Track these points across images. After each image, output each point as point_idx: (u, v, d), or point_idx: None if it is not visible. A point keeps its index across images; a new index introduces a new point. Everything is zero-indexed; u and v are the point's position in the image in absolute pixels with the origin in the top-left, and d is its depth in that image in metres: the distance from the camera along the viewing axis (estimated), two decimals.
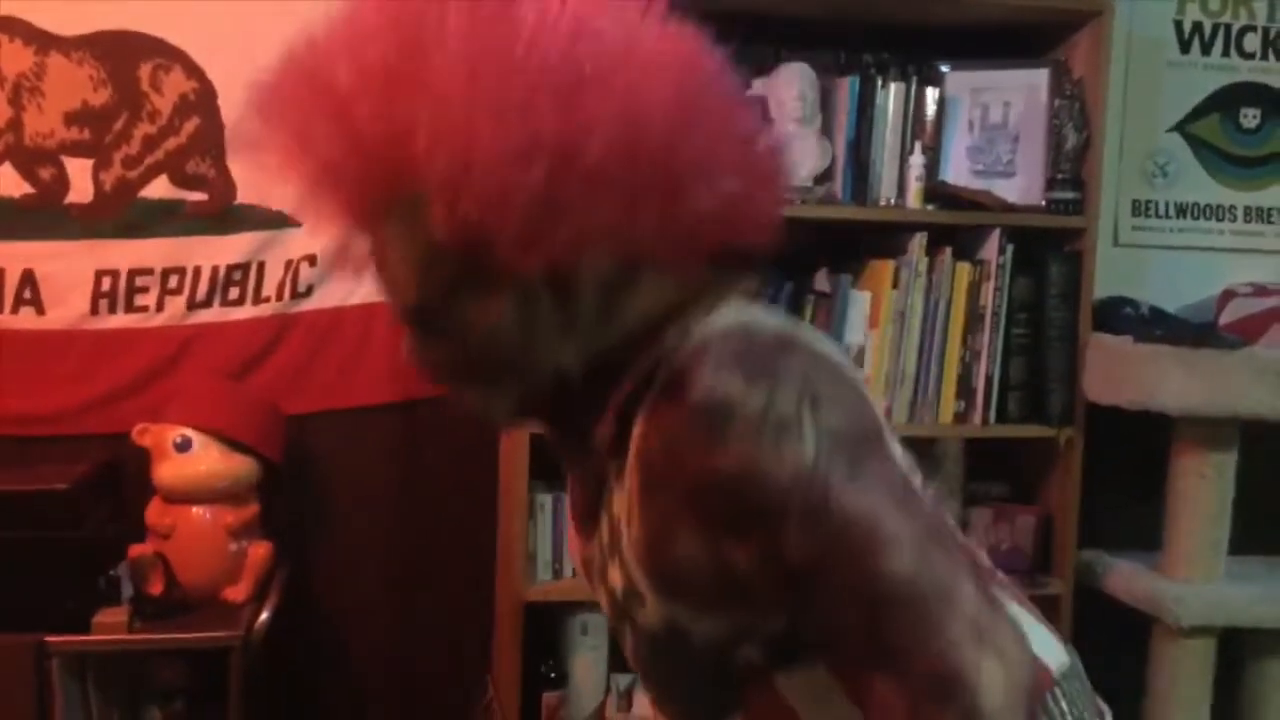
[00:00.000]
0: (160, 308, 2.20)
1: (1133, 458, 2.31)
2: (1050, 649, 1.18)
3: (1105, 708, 1.20)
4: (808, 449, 0.95)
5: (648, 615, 1.09)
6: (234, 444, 2.09)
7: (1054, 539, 2.30)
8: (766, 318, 1.06)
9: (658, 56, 1.02)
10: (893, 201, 2.21)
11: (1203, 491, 2.19)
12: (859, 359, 2.18)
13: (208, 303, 2.22)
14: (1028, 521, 2.30)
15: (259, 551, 2.11)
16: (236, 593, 2.08)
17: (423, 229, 1.00)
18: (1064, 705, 1.13)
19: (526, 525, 2.11)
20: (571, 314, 1.04)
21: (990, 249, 2.20)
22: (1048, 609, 2.37)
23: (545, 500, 2.14)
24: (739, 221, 1.06)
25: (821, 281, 2.20)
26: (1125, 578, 2.27)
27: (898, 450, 1.07)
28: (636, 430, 1.04)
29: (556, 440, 1.22)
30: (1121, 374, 2.15)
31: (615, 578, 1.11)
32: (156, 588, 2.00)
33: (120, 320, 2.19)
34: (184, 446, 2.06)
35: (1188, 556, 2.21)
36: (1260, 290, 2.29)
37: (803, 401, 0.96)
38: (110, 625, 1.92)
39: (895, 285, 2.18)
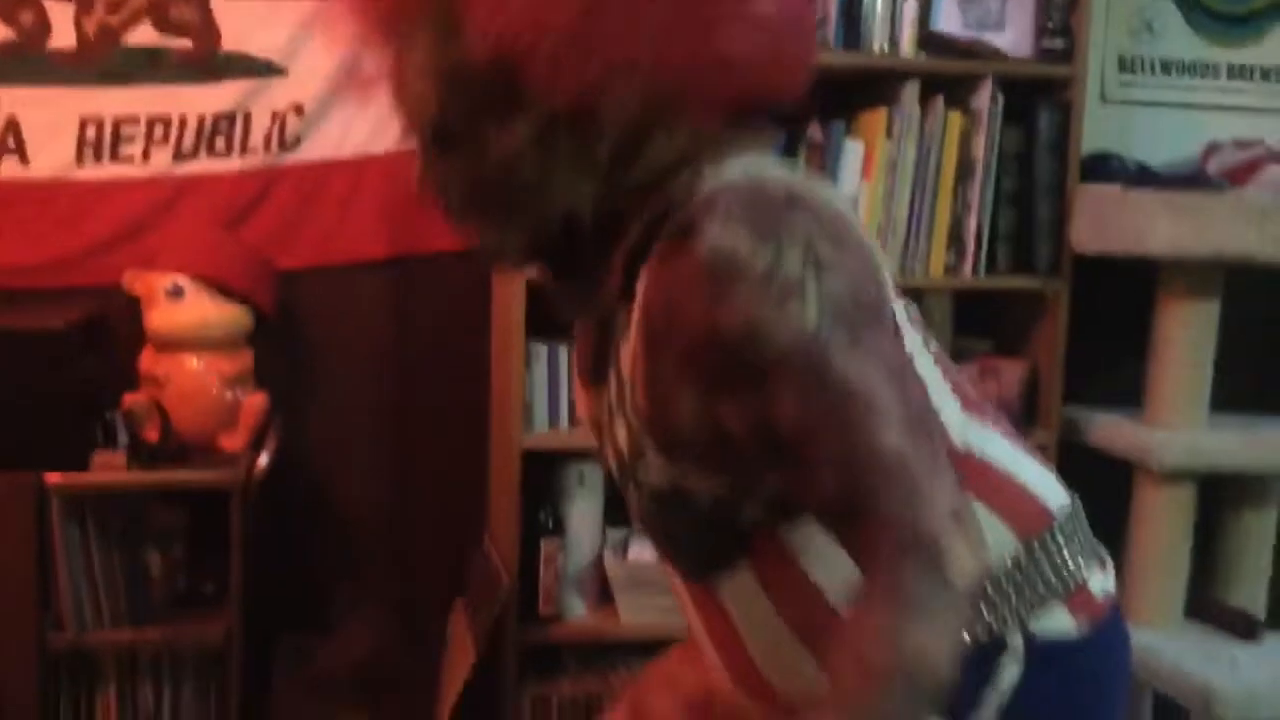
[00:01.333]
0: (146, 157, 2.16)
1: (1119, 312, 2.35)
2: (1050, 489, 1.20)
3: (1104, 550, 1.23)
4: (810, 313, 0.96)
5: (652, 474, 1.10)
6: (226, 292, 2.08)
7: (1040, 392, 2.34)
8: (778, 171, 1.06)
9: None
10: (885, 50, 2.20)
11: (1186, 339, 2.23)
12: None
13: (194, 153, 2.18)
14: (1014, 375, 2.33)
15: (254, 401, 2.11)
16: (232, 441, 2.07)
17: (453, 44, 1.00)
18: (1062, 542, 1.16)
19: (523, 374, 2.11)
20: (590, 154, 1.04)
21: (982, 98, 2.21)
22: None
23: (540, 350, 2.14)
24: (765, 72, 1.06)
25: (814, 131, 2.20)
26: (1109, 429, 2.32)
27: (900, 307, 1.08)
28: (642, 281, 1.04)
29: (562, 291, 1.21)
30: (1109, 221, 2.18)
31: (621, 437, 1.12)
32: (153, 434, 2.00)
33: (106, 170, 2.15)
34: (176, 293, 2.05)
35: (1170, 404, 2.26)
36: (1243, 144, 2.32)
37: (808, 264, 0.96)
38: (109, 466, 1.92)
39: (889, 135, 2.18)
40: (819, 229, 0.98)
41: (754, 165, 1.05)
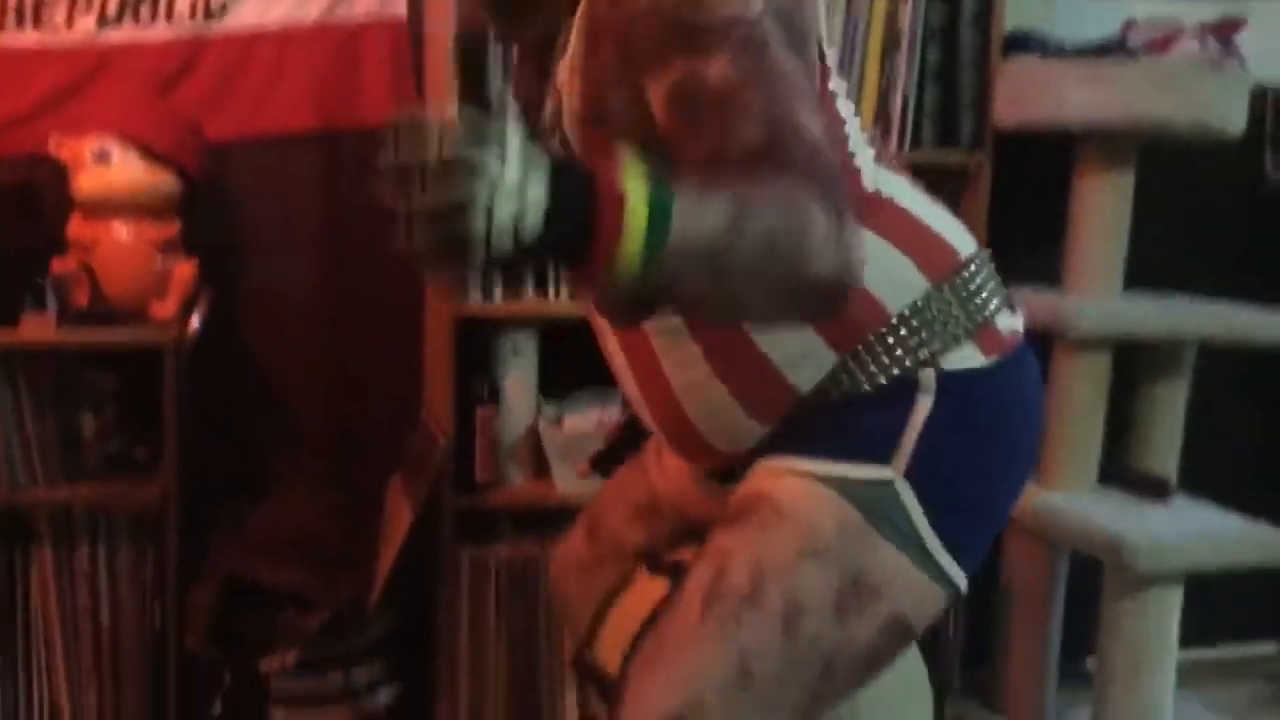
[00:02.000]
0: (70, 24, 2.13)
1: (1040, 188, 2.42)
2: (960, 236, 1.26)
3: (1012, 297, 1.29)
4: (755, 2, 1.00)
5: None
6: (154, 155, 2.06)
7: None
8: None
9: None
10: None
11: (1102, 209, 2.31)
12: None
13: (118, 20, 2.16)
14: None
15: (184, 269, 2.10)
16: (163, 309, 2.06)
17: None
18: (970, 284, 1.21)
19: None
20: None
21: None
22: None
23: None
24: None
25: None
26: (1028, 301, 2.36)
27: (833, 54, 1.13)
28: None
29: (511, 24, 1.25)
30: (1030, 92, 2.23)
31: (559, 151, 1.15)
32: (82, 298, 1.99)
33: (30, 38, 2.12)
34: (104, 157, 2.03)
35: (1087, 273, 2.34)
36: (1158, 24, 2.37)
37: None
38: (38, 327, 1.91)
39: None
40: None
41: None
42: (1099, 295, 2.32)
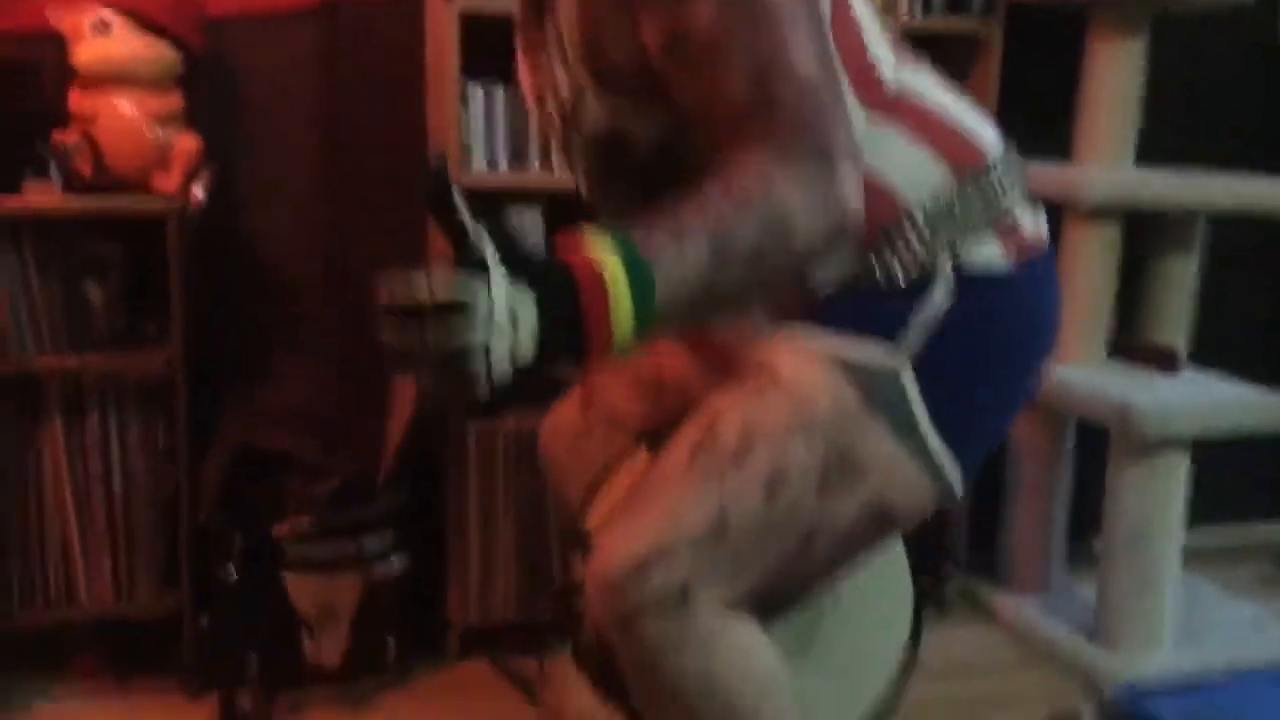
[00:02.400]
0: None
1: (1051, 58, 2.38)
2: (985, 132, 1.24)
3: (1038, 201, 1.27)
4: None
5: (594, 116, 1.15)
6: (154, 27, 2.04)
7: None
8: None
9: None
10: None
11: (1114, 79, 2.27)
12: None
13: None
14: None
15: (186, 142, 2.08)
16: (166, 181, 2.05)
17: None
18: (995, 180, 1.19)
19: (459, 114, 2.11)
20: None
21: None
22: None
23: (476, 91, 2.14)
24: None
25: None
26: (1038, 173, 2.36)
27: None
28: None
29: None
30: None
31: (563, 85, 1.16)
32: (85, 168, 1.98)
33: None
34: (102, 28, 2.00)
35: (1098, 143, 2.31)
36: None
37: None
38: (43, 194, 1.91)
39: None
40: None
41: None
42: (1110, 166, 2.30)
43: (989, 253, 1.17)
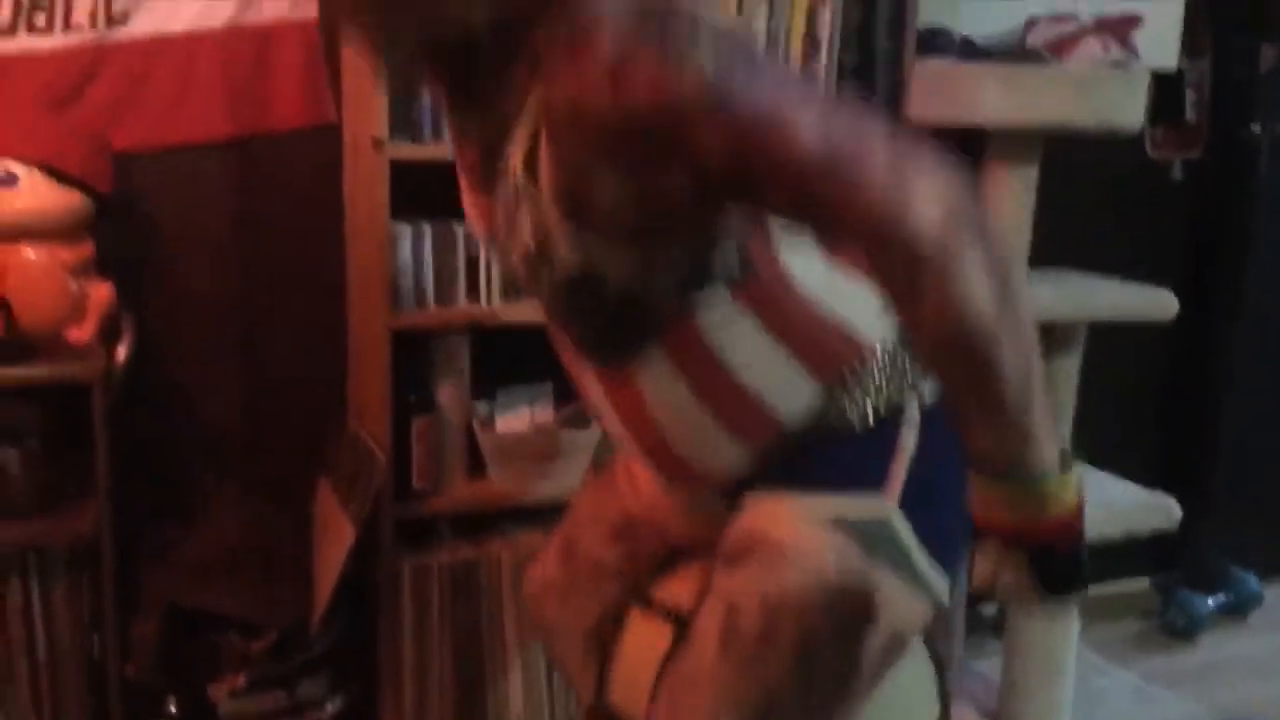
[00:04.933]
0: None
1: None
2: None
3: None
4: (706, 63, 1.01)
5: (563, 260, 1.15)
6: (63, 176, 1.97)
7: None
8: None
9: None
10: None
11: (1009, 200, 2.40)
12: None
13: (12, 31, 2.03)
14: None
15: (100, 291, 2.02)
16: (81, 333, 1.99)
17: None
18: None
19: (389, 255, 2.10)
20: None
21: None
22: None
23: (404, 231, 2.13)
24: None
25: None
26: None
27: None
28: (540, 89, 1.09)
29: (450, 100, 1.25)
30: (944, 93, 2.30)
31: (525, 230, 1.15)
32: None
33: None
34: (8, 181, 1.93)
35: None
36: (1059, 18, 2.46)
37: (694, 26, 1.03)
38: None
39: (740, 10, 2.23)
40: (696, 9, 1.05)
41: None
42: None
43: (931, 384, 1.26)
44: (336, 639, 2.11)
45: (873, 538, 1.22)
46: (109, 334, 2.01)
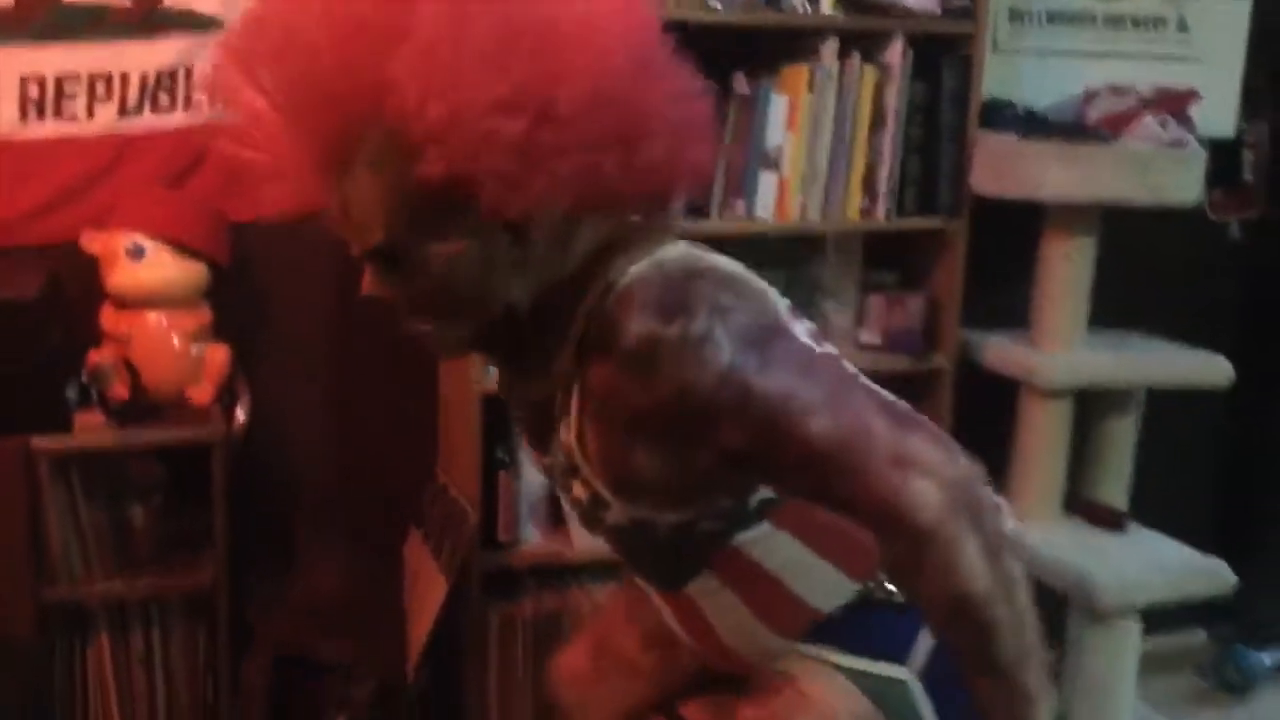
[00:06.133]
0: (91, 115, 2.17)
1: (1010, 245, 2.60)
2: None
3: None
4: (723, 354, 1.10)
5: (614, 516, 1.25)
6: (185, 249, 2.12)
7: (940, 320, 2.58)
8: (678, 251, 1.20)
9: (613, 17, 1.13)
10: (807, 9, 2.35)
11: (1068, 271, 2.51)
12: (777, 160, 2.36)
13: (139, 110, 2.20)
14: (917, 305, 2.57)
15: (217, 354, 2.18)
16: (200, 394, 2.15)
17: (396, 173, 1.08)
18: None
19: None
20: (525, 252, 1.16)
21: (893, 53, 2.39)
22: (933, 382, 2.69)
23: None
24: (675, 173, 1.20)
25: (741, 85, 2.35)
26: (1000, 351, 2.59)
27: (800, 326, 1.20)
28: (580, 379, 1.18)
29: (502, 371, 1.36)
30: (1006, 169, 2.41)
31: (579, 491, 1.25)
32: (122, 390, 2.06)
33: (52, 128, 2.15)
34: (137, 253, 2.09)
35: (1052, 329, 2.54)
36: (1117, 90, 2.57)
37: (712, 316, 1.11)
38: (91, 426, 1.99)
39: (810, 88, 2.35)
40: (716, 286, 1.14)
41: (656, 251, 1.18)
42: (1063, 350, 2.53)
43: None
44: (429, 684, 2.24)
45: (888, 700, 1.31)
46: (226, 395, 2.16)
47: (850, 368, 1.18)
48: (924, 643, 1.34)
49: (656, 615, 1.59)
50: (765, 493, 1.29)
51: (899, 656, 1.33)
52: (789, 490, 1.24)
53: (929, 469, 1.08)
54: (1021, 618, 1.10)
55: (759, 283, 1.20)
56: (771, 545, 1.31)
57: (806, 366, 1.14)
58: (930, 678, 1.33)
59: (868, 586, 1.35)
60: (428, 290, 1.16)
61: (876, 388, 1.17)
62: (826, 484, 1.12)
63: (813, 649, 1.35)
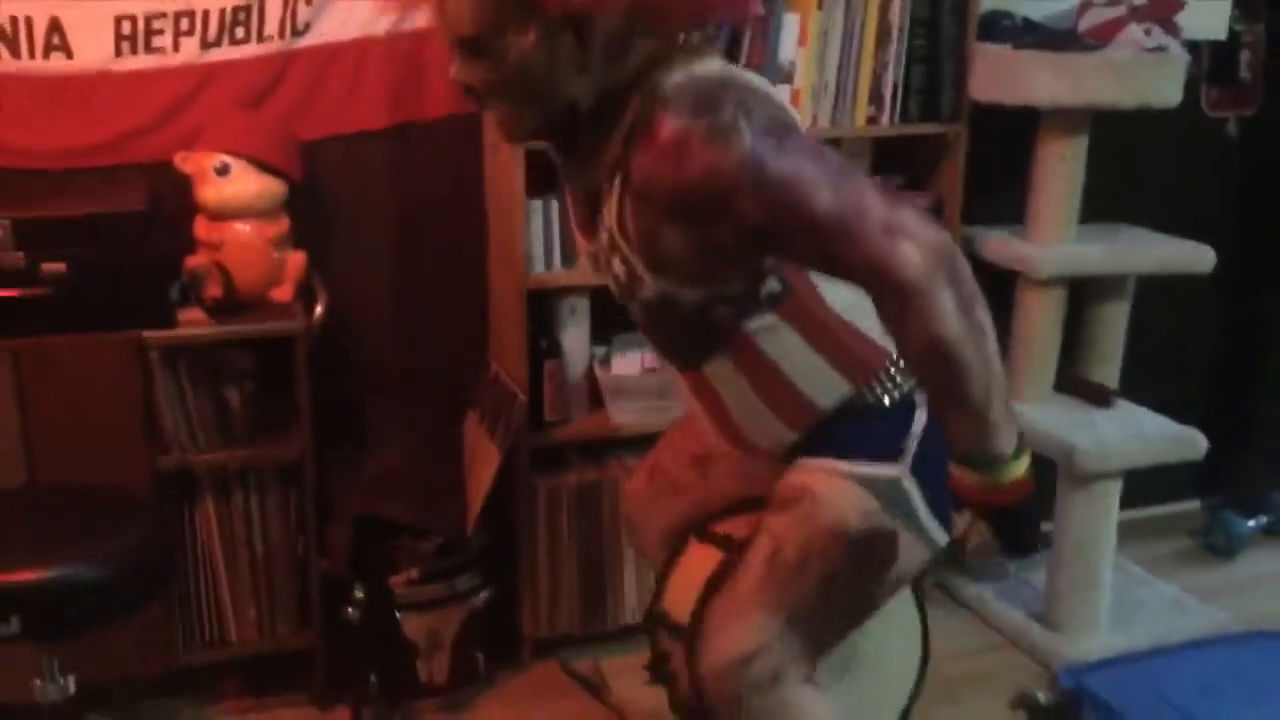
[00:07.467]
0: (177, 48, 2.45)
1: (1006, 149, 2.82)
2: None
3: None
4: (745, 141, 1.37)
5: (646, 291, 1.55)
6: (265, 166, 2.41)
7: (943, 217, 2.82)
8: (711, 65, 1.48)
9: None
10: None
11: (1061, 170, 2.73)
12: (790, 74, 2.59)
13: (218, 42, 2.47)
14: (923, 204, 2.80)
15: (296, 259, 2.48)
16: (282, 293, 2.46)
17: None
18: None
19: (525, 228, 2.51)
20: (585, 56, 1.45)
21: None
22: None
23: (537, 206, 2.54)
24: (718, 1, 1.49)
25: (756, 6, 2.56)
26: (999, 245, 2.83)
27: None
28: (623, 168, 1.46)
29: (562, 161, 1.63)
30: (1001, 77, 2.62)
31: (618, 268, 1.55)
32: (216, 291, 2.37)
33: (142, 61, 2.43)
34: (224, 170, 2.38)
35: (1047, 223, 2.77)
36: (1112, 1, 2.75)
37: (738, 112, 1.39)
38: (192, 322, 2.31)
39: (820, 6, 2.57)
40: (741, 91, 1.42)
41: (693, 64, 1.46)
42: (1056, 242, 2.77)
43: None
44: (486, 543, 2.57)
45: (890, 495, 1.59)
46: (305, 294, 2.47)
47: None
48: (912, 441, 1.61)
49: (700, 442, 1.90)
50: (774, 286, 1.54)
51: (894, 456, 1.61)
52: (796, 258, 1.45)
53: (914, 235, 1.31)
54: (988, 361, 1.32)
55: (781, 95, 1.47)
56: (776, 336, 1.58)
57: (815, 154, 1.39)
58: (917, 467, 1.61)
59: (860, 391, 1.62)
60: (505, 78, 1.44)
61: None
62: (828, 249, 1.35)
63: (821, 461, 1.63)
